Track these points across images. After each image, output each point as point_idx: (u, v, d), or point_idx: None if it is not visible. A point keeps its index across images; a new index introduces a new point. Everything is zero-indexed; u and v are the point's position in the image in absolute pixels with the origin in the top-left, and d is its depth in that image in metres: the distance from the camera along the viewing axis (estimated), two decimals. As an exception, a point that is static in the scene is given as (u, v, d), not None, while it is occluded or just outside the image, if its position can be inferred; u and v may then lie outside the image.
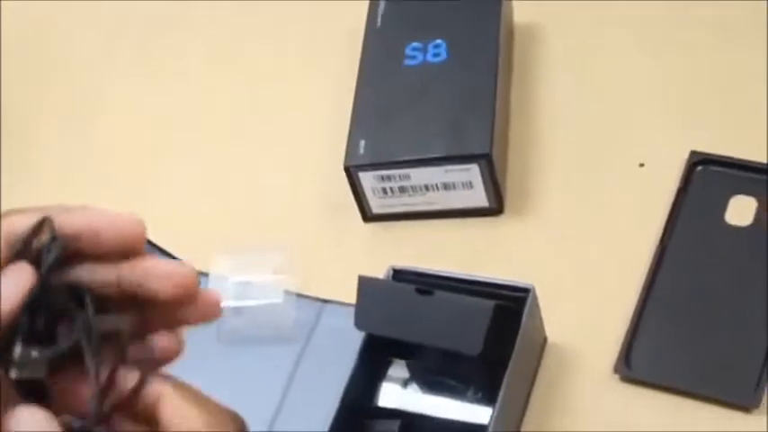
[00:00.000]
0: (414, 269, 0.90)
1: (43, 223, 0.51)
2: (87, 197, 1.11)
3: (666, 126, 1.02)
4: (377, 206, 1.02)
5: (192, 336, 0.97)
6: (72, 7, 1.31)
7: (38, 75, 1.27)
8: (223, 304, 0.95)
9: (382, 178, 0.99)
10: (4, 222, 0.51)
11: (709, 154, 0.97)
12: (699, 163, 0.97)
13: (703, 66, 1.06)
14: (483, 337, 0.82)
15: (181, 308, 0.56)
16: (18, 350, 0.49)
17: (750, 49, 1.05)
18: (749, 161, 0.96)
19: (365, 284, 0.87)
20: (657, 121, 1.03)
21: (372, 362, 0.89)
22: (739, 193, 0.95)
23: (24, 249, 0.50)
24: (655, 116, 1.04)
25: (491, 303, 0.83)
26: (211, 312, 0.59)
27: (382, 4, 1.09)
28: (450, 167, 0.97)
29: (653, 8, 1.10)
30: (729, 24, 1.07)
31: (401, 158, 0.98)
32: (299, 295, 0.98)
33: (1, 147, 1.17)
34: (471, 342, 0.82)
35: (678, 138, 1.00)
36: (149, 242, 0.98)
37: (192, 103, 1.19)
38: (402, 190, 0.99)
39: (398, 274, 0.90)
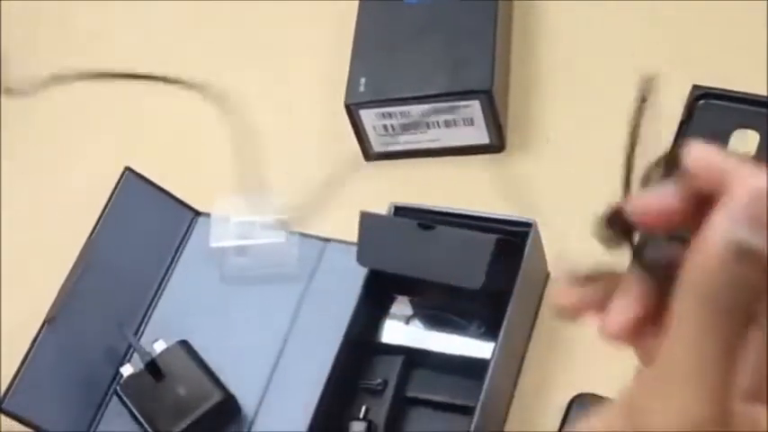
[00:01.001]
0: (415, 206, 0.90)
1: None
2: (85, 133, 1.13)
3: (669, 57, 1.02)
4: (378, 144, 1.02)
5: (195, 277, 0.99)
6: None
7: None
8: (226, 244, 0.97)
9: (383, 115, 0.99)
10: None
11: (711, 88, 0.97)
12: (701, 96, 0.97)
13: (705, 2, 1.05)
14: (485, 271, 0.82)
15: None
16: None
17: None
18: (751, 94, 0.96)
19: (367, 220, 0.88)
20: (659, 54, 1.03)
21: (375, 299, 0.90)
22: (742, 127, 0.95)
23: None
24: (656, 50, 1.03)
25: (493, 237, 0.83)
26: None
27: (381, -61, 1.09)
28: (451, 104, 0.97)
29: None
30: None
31: (402, 95, 0.98)
32: (302, 234, 0.98)
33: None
34: (473, 276, 0.82)
35: (679, 71, 0.99)
36: (149, 182, 1.00)
37: (195, 42, 1.19)
38: (403, 127, 0.99)
39: (400, 212, 0.90)
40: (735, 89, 0.97)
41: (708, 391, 0.40)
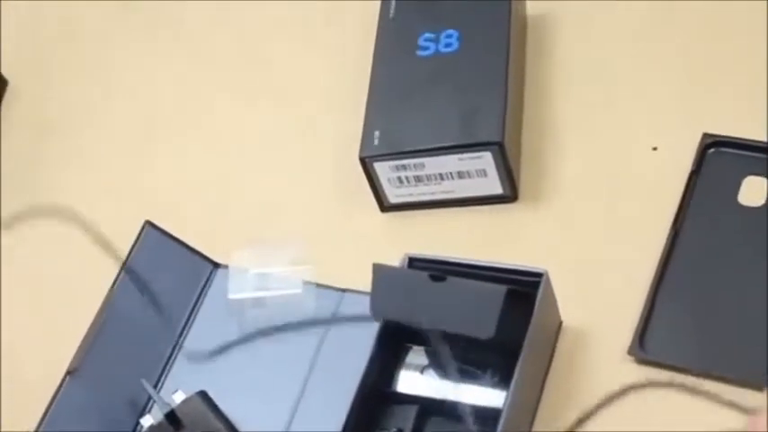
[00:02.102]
0: (429, 256, 0.90)
1: None
2: (105, 188, 1.14)
3: (679, 110, 1.02)
4: (393, 196, 1.02)
5: (214, 328, 0.99)
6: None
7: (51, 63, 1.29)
8: (244, 295, 0.97)
9: (397, 168, 0.99)
10: None
11: (721, 136, 0.97)
12: (711, 145, 0.97)
13: (714, 50, 1.05)
14: (496, 321, 0.82)
15: None
16: None
17: (757, 31, 1.05)
18: (761, 142, 0.96)
19: (379, 272, 0.88)
20: (670, 104, 1.03)
21: (390, 348, 0.90)
22: (752, 174, 0.95)
23: None
24: (667, 100, 1.03)
25: (503, 288, 0.83)
26: None
27: (395, -3, 1.10)
28: (463, 156, 0.97)
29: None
30: (738, 9, 1.07)
31: (415, 148, 0.98)
32: (318, 285, 0.98)
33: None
34: (484, 326, 0.82)
35: (690, 121, 1.00)
36: (168, 235, 1.00)
37: (208, 97, 1.20)
38: (417, 179, 1.00)
39: (414, 262, 0.90)
40: (744, 137, 0.97)
41: None
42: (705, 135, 0.98)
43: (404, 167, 0.99)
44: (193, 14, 1.28)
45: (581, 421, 0.73)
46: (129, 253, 1.00)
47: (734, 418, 0.77)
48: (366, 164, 0.99)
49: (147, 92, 1.23)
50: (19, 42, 1.32)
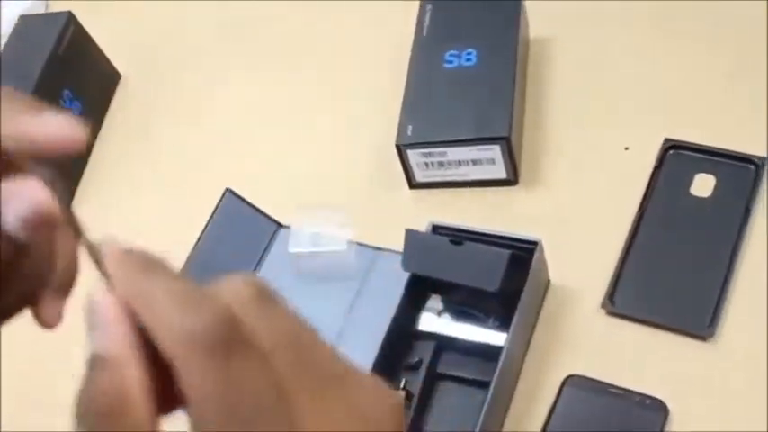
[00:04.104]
0: (448, 224, 0.90)
1: None
2: (195, 162, 1.14)
3: (647, 119, 1.02)
4: (420, 176, 1.02)
5: (276, 274, 1.00)
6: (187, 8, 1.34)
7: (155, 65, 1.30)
8: (301, 250, 0.98)
9: (425, 155, 1.00)
10: None
11: (678, 141, 0.98)
12: (671, 148, 0.98)
13: (680, 68, 1.06)
14: (500, 278, 0.83)
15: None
16: None
17: (715, 55, 1.05)
18: (710, 146, 0.96)
19: (410, 236, 0.88)
20: (640, 113, 1.03)
21: (415, 296, 0.90)
22: (702, 172, 0.96)
23: None
24: (638, 109, 1.04)
25: (507, 252, 0.84)
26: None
27: (427, 20, 1.09)
28: (477, 147, 0.98)
29: (641, 26, 1.11)
30: (701, 34, 1.07)
31: (440, 139, 0.98)
32: (359, 244, 0.99)
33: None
34: (491, 281, 0.83)
35: (655, 128, 1.00)
36: (244, 200, 1.01)
37: (279, 97, 1.20)
38: (440, 164, 1.00)
39: (436, 229, 0.91)
40: (697, 142, 0.97)
41: None
42: (666, 140, 0.98)
43: (430, 154, 0.99)
44: (272, 36, 1.28)
45: None
46: (213, 212, 1.00)
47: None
48: (401, 150, 1.00)
49: (230, 92, 1.23)
50: (129, 41, 1.32)
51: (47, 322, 0.43)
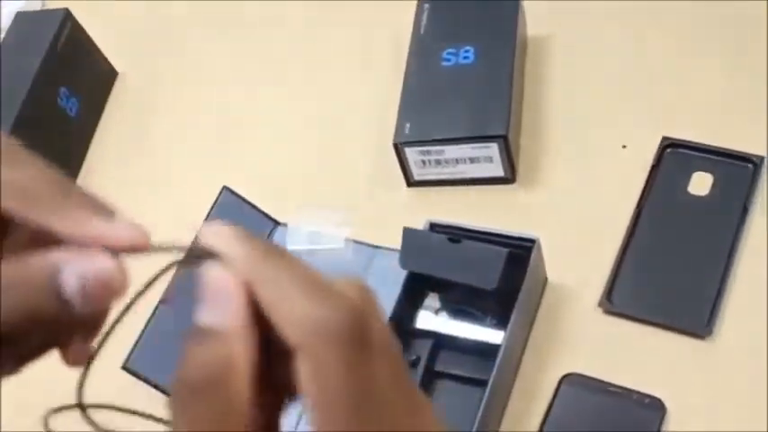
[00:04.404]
0: (445, 222, 0.90)
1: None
2: (192, 161, 1.14)
3: (644, 116, 1.02)
4: (418, 174, 1.02)
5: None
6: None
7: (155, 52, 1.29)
8: (298, 247, 0.97)
9: (422, 152, 0.99)
10: None
11: (676, 139, 0.98)
12: (669, 146, 0.98)
13: (678, 67, 1.06)
14: (498, 276, 0.83)
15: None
16: None
17: (714, 54, 1.05)
18: (707, 145, 0.96)
19: (408, 234, 0.88)
20: (637, 111, 1.03)
21: (412, 294, 0.90)
22: (699, 170, 0.96)
23: None
24: (635, 108, 1.04)
25: (505, 250, 0.84)
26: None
27: (425, 18, 1.09)
28: (474, 145, 0.97)
29: (638, 25, 1.11)
30: (699, 33, 1.07)
31: (438, 138, 0.98)
32: (357, 242, 0.99)
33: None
34: (489, 279, 0.83)
35: (653, 126, 1.00)
36: (241, 197, 1.01)
37: (273, 92, 1.20)
38: (438, 162, 1.00)
39: (434, 227, 0.91)
40: (695, 141, 0.97)
41: None
42: (664, 138, 0.98)
43: (428, 152, 0.99)
44: (270, 34, 1.28)
45: None
46: (210, 210, 1.00)
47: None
48: (398, 148, 1.00)
49: (228, 90, 1.23)
50: (127, 38, 1.32)
51: (73, 363, 0.43)
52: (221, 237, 0.38)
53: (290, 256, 0.38)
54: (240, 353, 0.36)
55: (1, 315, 0.36)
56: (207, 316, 0.37)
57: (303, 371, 0.36)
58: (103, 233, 0.38)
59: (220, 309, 0.37)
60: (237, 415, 0.36)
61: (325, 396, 0.36)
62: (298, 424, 0.89)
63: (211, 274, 0.38)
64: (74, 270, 0.36)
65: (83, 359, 0.42)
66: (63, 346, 0.42)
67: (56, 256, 0.37)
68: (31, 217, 0.37)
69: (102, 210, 0.39)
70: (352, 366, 0.36)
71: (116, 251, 0.38)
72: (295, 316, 0.36)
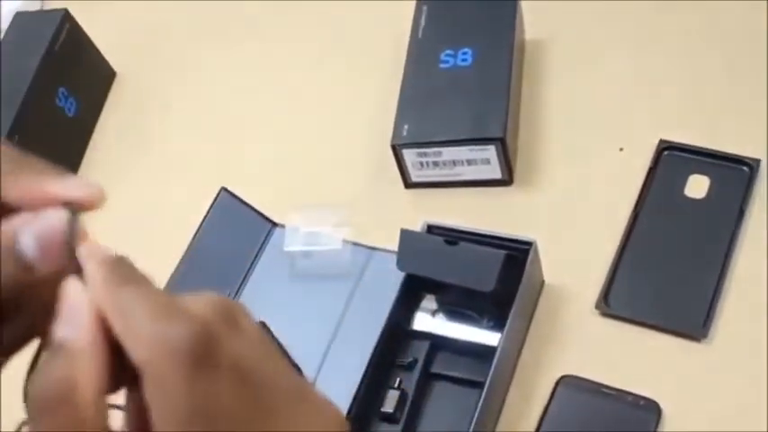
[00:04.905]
0: (443, 224, 0.90)
1: None
2: (190, 161, 1.14)
3: (642, 119, 1.02)
4: (415, 176, 1.02)
5: (270, 273, 0.99)
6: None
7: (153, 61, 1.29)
8: (295, 248, 0.97)
9: (420, 154, 0.99)
10: None
11: (673, 142, 0.98)
12: (666, 149, 0.98)
13: (675, 69, 1.06)
14: (495, 278, 0.83)
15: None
16: None
17: (711, 57, 1.05)
18: (704, 148, 0.96)
19: (405, 235, 0.88)
20: (635, 114, 1.03)
21: (410, 296, 0.90)
22: (696, 173, 0.96)
23: None
24: (633, 110, 1.04)
25: (502, 252, 0.84)
26: None
27: (423, 20, 1.09)
28: (472, 147, 0.98)
29: (636, 27, 1.11)
30: (696, 35, 1.07)
31: (435, 139, 0.98)
32: (354, 243, 0.99)
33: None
34: (486, 281, 0.83)
35: (651, 129, 1.00)
36: (239, 199, 1.01)
37: (273, 94, 1.20)
38: (435, 164, 1.00)
39: (431, 229, 0.91)
40: (692, 143, 0.97)
41: None
42: (661, 140, 0.98)
43: (425, 154, 0.99)
44: (267, 35, 1.28)
45: None
46: (208, 211, 1.00)
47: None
48: (396, 150, 1.00)
49: (226, 91, 1.23)
50: (125, 39, 1.32)
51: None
52: (90, 256, 0.39)
53: (143, 280, 0.39)
54: (86, 369, 0.37)
55: None
56: (59, 330, 0.38)
57: (146, 387, 0.36)
58: (56, 191, 0.40)
59: (71, 324, 0.38)
60: (87, 427, 0.37)
61: (163, 411, 0.36)
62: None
63: (69, 289, 0.39)
64: (29, 232, 0.38)
65: None
66: (41, 336, 0.43)
67: (11, 223, 0.39)
68: None
69: (55, 172, 0.41)
70: (191, 383, 0.36)
71: (73, 208, 0.39)
72: (140, 335, 0.37)
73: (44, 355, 0.38)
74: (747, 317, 0.86)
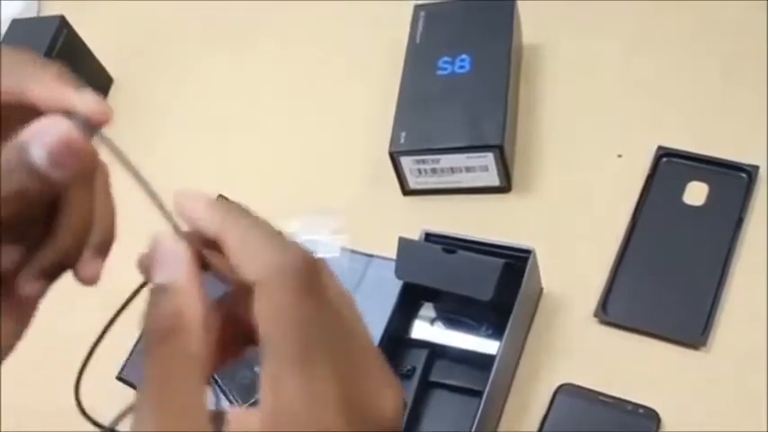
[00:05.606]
0: (441, 232, 0.90)
1: None
2: (186, 168, 1.14)
3: (640, 126, 1.02)
4: (413, 183, 1.02)
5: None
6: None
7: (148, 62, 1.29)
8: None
9: (418, 162, 0.99)
10: None
11: (672, 148, 0.98)
12: (664, 155, 0.98)
13: (673, 76, 1.06)
14: (493, 287, 0.83)
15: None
16: None
17: (709, 63, 1.05)
18: (703, 155, 0.97)
19: (404, 244, 0.89)
20: (633, 121, 1.03)
21: (408, 304, 0.91)
22: (695, 180, 0.96)
23: None
24: (631, 117, 1.04)
25: (501, 261, 0.84)
26: None
27: (420, 27, 1.09)
28: (470, 155, 0.98)
29: (634, 34, 1.11)
30: (694, 42, 1.08)
31: (433, 147, 0.98)
32: (352, 251, 0.99)
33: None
34: (484, 290, 0.83)
35: (649, 135, 1.00)
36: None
37: (269, 100, 1.20)
38: (433, 171, 1.00)
39: (429, 236, 0.91)
40: (690, 150, 0.97)
41: None
42: (659, 147, 0.98)
43: (423, 161, 0.99)
44: (263, 38, 1.28)
45: None
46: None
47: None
48: (394, 157, 1.00)
49: (223, 97, 1.23)
50: (122, 46, 1.32)
51: (86, 279, 0.47)
52: (193, 198, 0.44)
53: (250, 213, 0.43)
54: (191, 302, 0.41)
55: None
56: (161, 275, 0.42)
57: (259, 306, 0.40)
58: (72, 99, 0.43)
59: (171, 267, 0.42)
60: (197, 355, 0.40)
61: (277, 327, 0.40)
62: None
63: (162, 238, 0.43)
64: (38, 141, 0.41)
65: (95, 277, 0.47)
66: (74, 262, 0.47)
67: (21, 135, 0.41)
68: (8, 84, 0.44)
69: (75, 83, 0.44)
70: (303, 305, 0.40)
71: (84, 122, 0.42)
72: (258, 258, 0.41)
73: (149, 297, 0.41)
74: (746, 324, 0.87)
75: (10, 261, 0.45)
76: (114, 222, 0.49)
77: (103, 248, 0.48)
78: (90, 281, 0.47)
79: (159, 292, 0.41)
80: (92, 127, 0.42)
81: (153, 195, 0.43)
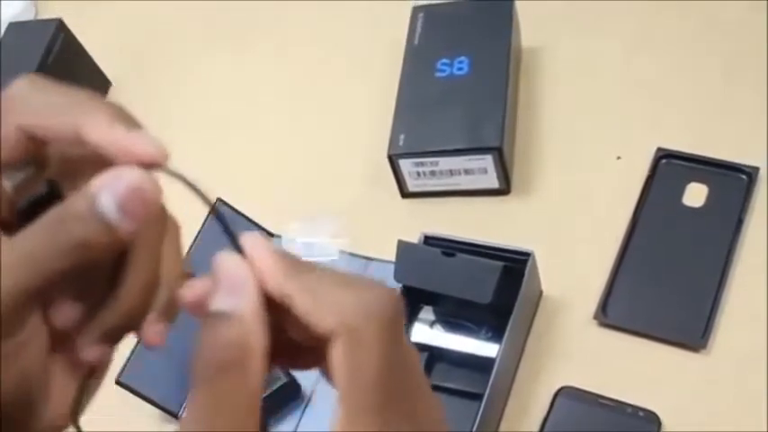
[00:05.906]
0: (440, 235, 0.90)
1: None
2: (187, 168, 1.14)
3: (640, 128, 1.02)
4: (412, 185, 1.02)
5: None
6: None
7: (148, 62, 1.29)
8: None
9: (417, 164, 0.99)
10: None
11: (671, 150, 0.98)
12: (663, 157, 0.98)
13: (673, 77, 1.06)
14: (493, 290, 0.83)
15: None
16: None
17: (709, 65, 1.05)
18: (702, 156, 0.96)
19: (402, 247, 0.88)
20: (632, 122, 1.03)
21: (407, 307, 0.90)
22: (694, 181, 0.96)
23: None
24: (630, 118, 1.04)
25: (500, 264, 0.84)
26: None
27: (419, 28, 1.09)
28: (469, 157, 0.98)
29: (633, 35, 1.11)
30: (694, 43, 1.07)
31: (432, 149, 0.98)
32: (351, 254, 0.99)
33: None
34: (483, 293, 0.83)
35: (648, 137, 1.00)
36: (235, 210, 1.01)
37: (270, 102, 1.20)
38: (432, 173, 1.00)
39: (428, 239, 0.91)
40: (689, 152, 0.97)
41: None
42: (659, 149, 0.98)
43: (422, 164, 0.99)
44: (264, 39, 1.28)
45: None
46: (204, 221, 1.00)
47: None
48: (392, 160, 1.00)
49: (221, 101, 1.23)
50: (120, 49, 1.32)
51: (149, 341, 0.44)
52: (257, 246, 0.41)
53: (318, 266, 0.41)
54: (257, 334, 0.39)
55: (56, 252, 0.38)
56: (225, 301, 0.39)
57: (337, 353, 0.38)
58: (127, 142, 0.41)
59: (237, 294, 0.39)
60: (255, 391, 0.38)
61: (361, 369, 0.38)
62: (298, 425, 0.89)
63: (228, 262, 0.40)
64: (108, 191, 0.39)
65: (160, 337, 0.44)
66: (137, 327, 0.44)
67: (90, 185, 0.39)
68: (62, 120, 0.41)
69: (129, 121, 0.42)
70: (393, 356, 0.38)
71: (140, 164, 0.41)
72: (335, 305, 0.38)
73: (206, 321, 0.39)
74: (747, 326, 0.86)
75: (68, 319, 0.42)
76: (184, 282, 0.44)
77: (171, 311, 0.45)
78: (155, 345, 0.44)
79: (221, 319, 0.39)
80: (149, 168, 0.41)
81: (221, 219, 0.43)
